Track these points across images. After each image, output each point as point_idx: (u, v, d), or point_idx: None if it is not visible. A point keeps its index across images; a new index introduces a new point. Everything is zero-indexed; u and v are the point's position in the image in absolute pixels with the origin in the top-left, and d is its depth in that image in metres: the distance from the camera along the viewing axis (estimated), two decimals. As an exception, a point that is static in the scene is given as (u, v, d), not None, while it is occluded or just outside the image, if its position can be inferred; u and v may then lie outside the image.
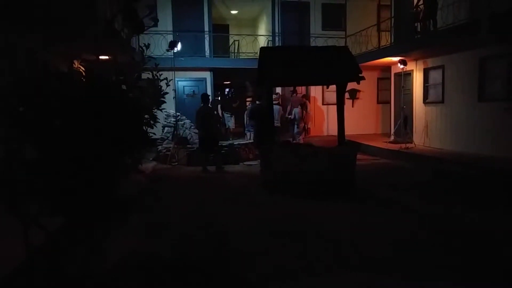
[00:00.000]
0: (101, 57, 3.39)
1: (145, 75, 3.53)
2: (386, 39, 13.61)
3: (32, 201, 2.67)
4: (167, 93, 3.45)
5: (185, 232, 5.13)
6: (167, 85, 3.46)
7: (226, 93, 19.74)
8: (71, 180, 2.65)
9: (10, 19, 3.35)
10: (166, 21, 14.23)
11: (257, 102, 10.78)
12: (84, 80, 2.89)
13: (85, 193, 2.76)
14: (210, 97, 11.84)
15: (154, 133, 3.54)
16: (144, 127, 3.21)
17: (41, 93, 2.51)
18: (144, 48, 3.31)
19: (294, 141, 11.91)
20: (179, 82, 14.45)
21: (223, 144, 10.83)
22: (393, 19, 13.24)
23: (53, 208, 2.73)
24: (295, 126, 12.45)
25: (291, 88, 14.03)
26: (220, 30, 17.11)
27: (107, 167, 2.88)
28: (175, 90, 12.68)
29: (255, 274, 3.81)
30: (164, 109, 3.60)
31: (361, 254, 4.26)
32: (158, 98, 3.33)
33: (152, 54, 3.54)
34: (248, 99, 15.76)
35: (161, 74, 3.48)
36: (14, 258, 3.19)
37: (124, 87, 3.06)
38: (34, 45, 2.82)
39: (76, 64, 3.09)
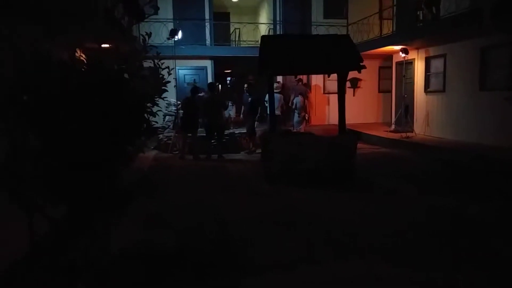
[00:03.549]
0: (103, 45, 3.40)
1: (147, 64, 3.54)
2: (388, 28, 13.53)
3: (36, 191, 2.70)
4: (169, 81, 3.46)
5: (186, 221, 5.18)
6: (169, 73, 3.48)
7: (227, 82, 19.67)
8: (74, 170, 2.68)
9: (13, 10, 3.35)
10: (166, 9, 14.13)
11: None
12: (86, 69, 2.91)
13: (88, 182, 2.79)
14: (218, 86, 11.96)
15: (156, 122, 3.57)
16: (146, 116, 3.23)
17: (44, 82, 2.53)
18: (146, 36, 3.32)
19: (295, 130, 11.91)
20: (179, 70, 14.41)
21: (224, 133, 10.89)
22: (395, 7, 13.13)
23: (56, 198, 2.77)
24: (296, 115, 12.43)
25: (293, 77, 13.98)
26: (221, 18, 16.97)
27: (109, 156, 2.91)
28: (175, 78, 12.66)
29: (255, 263, 3.86)
30: (165, 97, 3.62)
31: (360, 243, 4.32)
32: (160, 86, 3.35)
33: (152, 43, 3.54)
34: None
35: (163, 62, 3.50)
36: (18, 247, 3.24)
37: (126, 75, 3.08)
38: (37, 36, 2.82)
39: (79, 53, 3.10)
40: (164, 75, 3.46)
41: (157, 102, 3.36)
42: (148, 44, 3.37)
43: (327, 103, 15.60)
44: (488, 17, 8.01)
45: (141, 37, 3.37)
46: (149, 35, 3.36)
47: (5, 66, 2.58)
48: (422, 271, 3.60)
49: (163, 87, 3.37)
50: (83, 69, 2.91)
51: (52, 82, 2.65)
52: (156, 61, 3.45)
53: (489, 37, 9.41)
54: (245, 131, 11.54)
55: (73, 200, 2.89)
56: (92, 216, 3.12)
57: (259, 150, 10.26)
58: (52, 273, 3.16)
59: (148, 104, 3.24)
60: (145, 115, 3.21)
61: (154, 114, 3.32)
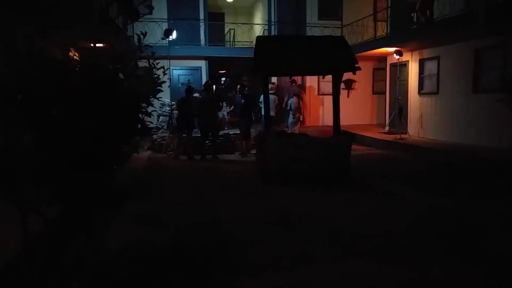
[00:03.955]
0: (97, 45, 3.37)
1: (142, 64, 3.51)
2: (382, 29, 13.58)
3: (31, 189, 2.67)
4: (164, 81, 3.44)
5: (182, 221, 5.15)
6: (164, 73, 3.45)
7: (222, 82, 19.63)
8: (69, 168, 2.65)
9: (7, 9, 3.31)
10: (161, 8, 14.07)
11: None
12: (80, 68, 2.87)
13: (84, 181, 2.76)
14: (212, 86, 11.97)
15: (151, 122, 3.55)
16: (140, 116, 3.20)
17: (40, 81, 2.50)
18: (141, 36, 3.29)
19: (290, 131, 11.92)
20: (174, 71, 14.35)
21: (219, 134, 10.86)
22: (389, 9, 13.19)
23: (52, 196, 2.73)
24: (291, 116, 12.44)
25: (287, 78, 14.00)
26: (216, 18, 16.93)
27: (104, 155, 2.88)
28: (170, 79, 12.61)
29: (252, 263, 3.84)
30: (160, 97, 3.59)
31: (356, 243, 4.32)
32: (155, 86, 3.33)
33: (147, 42, 3.52)
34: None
35: (158, 62, 3.47)
36: (13, 246, 3.20)
37: (121, 75, 3.05)
38: (31, 34, 2.79)
39: (73, 52, 3.06)
40: (159, 75, 3.44)
41: (151, 102, 3.34)
42: (143, 44, 3.34)
43: (321, 104, 15.63)
44: (482, 20, 8.06)
45: (136, 37, 3.33)
46: (145, 34, 3.33)
47: (0, 65, 2.55)
48: (420, 271, 3.60)
49: (158, 87, 3.35)
50: (77, 69, 2.88)
51: (47, 82, 2.61)
52: (151, 61, 3.43)
53: (483, 39, 9.48)
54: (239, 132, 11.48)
55: (69, 199, 2.85)
56: (87, 215, 3.09)
57: (253, 151, 10.25)
58: (47, 273, 3.12)
59: (143, 104, 3.22)
60: (140, 115, 3.18)
61: (149, 114, 3.29)
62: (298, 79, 15.09)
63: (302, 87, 15.04)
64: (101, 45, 3.85)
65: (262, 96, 10.72)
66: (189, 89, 10.52)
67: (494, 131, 9.21)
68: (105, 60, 3.08)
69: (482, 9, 8.02)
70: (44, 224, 2.88)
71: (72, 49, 3.28)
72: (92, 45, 3.41)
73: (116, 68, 3.05)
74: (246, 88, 11.97)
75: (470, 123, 10.03)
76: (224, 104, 13.42)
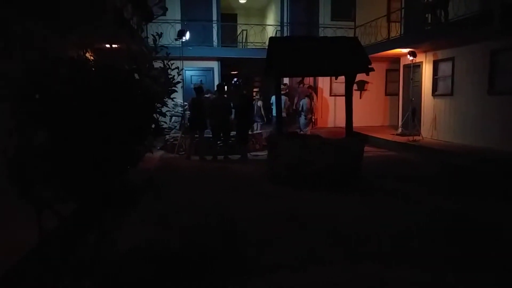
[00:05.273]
0: (113, 45, 3.42)
1: (157, 64, 3.54)
2: (396, 30, 13.48)
3: (46, 187, 2.71)
4: (179, 82, 3.46)
5: (193, 221, 5.18)
6: (179, 74, 3.48)
7: (232, 82, 19.67)
8: (83, 167, 2.69)
9: (24, 10, 3.38)
10: (174, 10, 14.19)
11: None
12: (96, 68, 2.92)
13: (97, 180, 2.80)
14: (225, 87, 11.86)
15: (165, 122, 3.59)
16: (155, 116, 3.24)
17: (57, 80, 2.54)
18: (157, 37, 3.33)
19: (301, 132, 11.89)
20: (186, 71, 14.45)
21: (231, 135, 10.87)
22: (403, 10, 13.09)
23: (66, 194, 2.78)
24: (303, 117, 12.41)
25: (299, 79, 13.99)
26: (228, 19, 17.01)
27: (119, 155, 2.92)
28: (183, 79, 12.68)
29: (264, 263, 3.84)
30: (174, 98, 3.62)
31: (368, 244, 4.29)
32: (169, 87, 3.36)
33: (160, 43, 3.55)
34: (255, 89, 15.71)
35: (173, 63, 3.50)
36: (27, 244, 3.25)
37: (136, 76, 3.08)
38: (47, 35, 2.85)
39: (90, 53, 3.11)
40: (174, 75, 3.47)
41: (166, 102, 3.37)
42: (159, 45, 3.38)
43: (333, 105, 15.56)
44: (497, 20, 7.95)
45: (152, 37, 3.37)
46: (160, 35, 3.37)
47: (17, 64, 2.60)
48: (430, 271, 3.58)
49: (172, 88, 3.38)
50: (93, 69, 2.92)
51: (64, 81, 2.66)
52: (165, 61, 3.46)
53: (499, 41, 9.34)
54: (251, 133, 11.36)
55: (83, 197, 2.90)
56: (99, 215, 3.12)
57: (255, 153, 10.20)
58: (60, 271, 3.17)
59: (158, 105, 3.25)
60: (155, 115, 3.22)
61: (163, 115, 3.33)
62: (310, 80, 15.06)
63: (312, 88, 15.00)
64: (116, 46, 3.89)
65: (273, 97, 10.73)
66: (199, 89, 10.43)
67: (509, 134, 9.06)
68: (120, 61, 3.13)
69: (498, 10, 7.90)
70: (58, 222, 2.93)
71: (88, 50, 3.33)
72: (107, 46, 3.45)
73: (132, 68, 3.09)
74: (256, 90, 11.84)
75: (485, 125, 9.88)
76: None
